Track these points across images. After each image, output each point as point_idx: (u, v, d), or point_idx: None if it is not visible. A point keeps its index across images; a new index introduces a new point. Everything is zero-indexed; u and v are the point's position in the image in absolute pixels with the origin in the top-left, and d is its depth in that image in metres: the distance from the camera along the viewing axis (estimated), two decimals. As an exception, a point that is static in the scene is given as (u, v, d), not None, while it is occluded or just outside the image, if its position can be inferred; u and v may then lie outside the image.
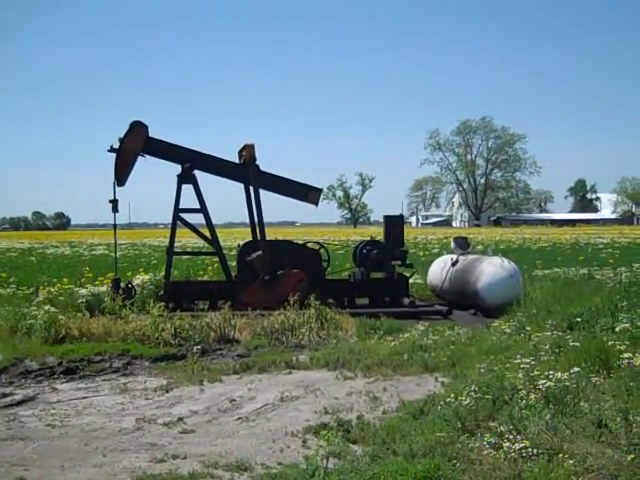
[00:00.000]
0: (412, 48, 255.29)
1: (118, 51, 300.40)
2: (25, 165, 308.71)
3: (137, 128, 16.85)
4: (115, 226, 17.44)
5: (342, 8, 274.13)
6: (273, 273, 16.72)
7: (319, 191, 18.68)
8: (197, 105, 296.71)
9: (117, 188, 16.75)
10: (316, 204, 18.59)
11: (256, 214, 17.65)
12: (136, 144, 16.74)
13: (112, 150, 16.70)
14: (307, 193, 18.46)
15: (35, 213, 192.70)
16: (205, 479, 6.10)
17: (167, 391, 9.48)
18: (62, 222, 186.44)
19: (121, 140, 16.68)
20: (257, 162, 17.46)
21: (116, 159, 16.68)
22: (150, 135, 17.01)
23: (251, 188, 17.66)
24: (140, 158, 16.96)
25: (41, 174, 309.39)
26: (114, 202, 16.85)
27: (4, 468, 6.50)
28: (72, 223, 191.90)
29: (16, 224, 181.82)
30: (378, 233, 20.13)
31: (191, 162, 17.21)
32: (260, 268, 16.82)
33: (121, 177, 16.82)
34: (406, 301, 17.54)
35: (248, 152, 17.44)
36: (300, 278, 16.21)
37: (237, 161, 18.01)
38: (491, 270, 16.96)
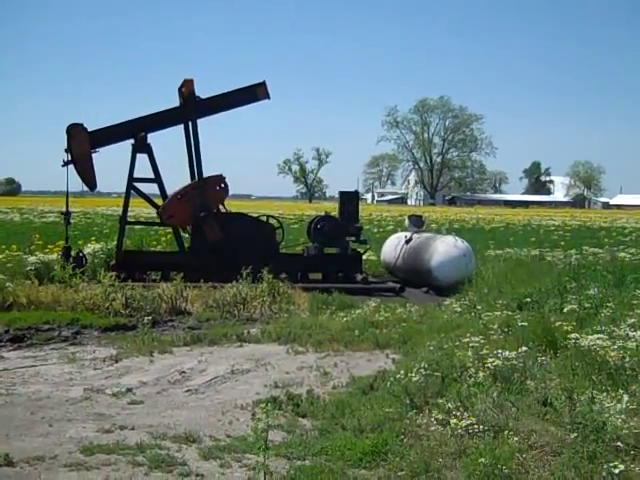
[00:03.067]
0: (372, 26, 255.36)
1: (112, 37, 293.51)
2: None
3: (74, 130, 16.56)
4: (67, 206, 17.06)
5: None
6: (225, 244, 16.61)
7: (263, 83, 18.12)
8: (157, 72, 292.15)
9: (67, 163, 16.51)
10: (268, 97, 18.17)
11: (194, 152, 17.46)
12: (83, 146, 16.50)
13: (66, 164, 16.47)
14: (254, 92, 18.14)
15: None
16: (153, 450, 6.05)
17: (116, 361, 9.40)
18: (12, 188, 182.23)
19: (68, 150, 16.42)
20: (196, 95, 17.28)
21: (75, 168, 16.47)
22: (89, 130, 16.71)
23: (190, 124, 17.43)
24: (95, 155, 16.72)
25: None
26: (67, 215, 16.83)
27: (-53, 436, 6.39)
28: (23, 189, 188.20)
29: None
30: (333, 209, 20.12)
31: (140, 130, 16.97)
32: (210, 235, 16.69)
33: (89, 181, 16.75)
34: (359, 277, 17.59)
35: (187, 87, 17.21)
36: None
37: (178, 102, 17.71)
38: (444, 249, 17.08)
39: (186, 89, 17.18)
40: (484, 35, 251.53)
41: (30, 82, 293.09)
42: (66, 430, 6.62)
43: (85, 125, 16.71)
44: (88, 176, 16.64)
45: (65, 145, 16.47)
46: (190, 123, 17.37)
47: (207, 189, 17.00)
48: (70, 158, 16.43)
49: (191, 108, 17.21)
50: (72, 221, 17.31)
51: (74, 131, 16.51)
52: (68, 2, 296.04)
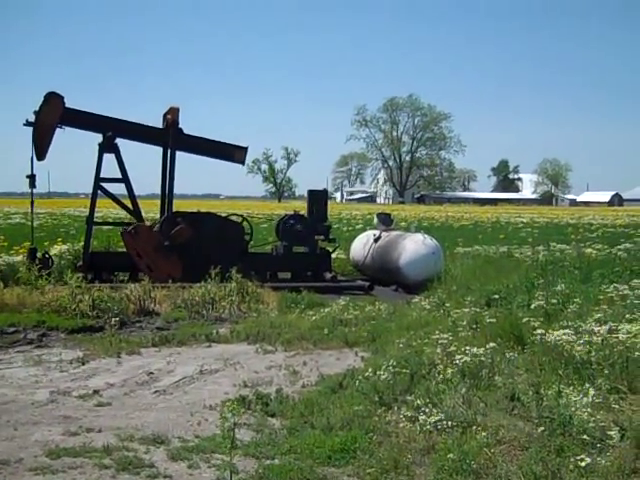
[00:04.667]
0: (341, 24, 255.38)
1: (114, 41, 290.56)
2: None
3: (53, 99, 16.29)
4: (32, 201, 16.80)
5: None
6: (192, 245, 16.45)
7: (244, 149, 18.35)
8: (125, 69, 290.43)
9: (36, 161, 16.29)
10: (242, 163, 18.36)
11: (169, 179, 17.34)
12: (53, 116, 16.23)
13: (28, 124, 16.15)
14: (232, 152, 18.21)
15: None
16: (120, 452, 5.99)
17: (83, 363, 9.29)
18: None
19: (37, 113, 16.15)
20: (180, 126, 17.17)
21: (33, 133, 16.15)
22: (67, 106, 16.51)
23: (169, 153, 17.32)
24: (59, 130, 16.48)
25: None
26: (32, 177, 16.36)
27: None
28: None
29: None
30: (303, 208, 20.09)
31: (113, 130, 16.81)
32: (174, 239, 16.54)
33: (40, 151, 16.32)
34: (328, 276, 17.61)
35: (172, 115, 17.12)
36: (172, 274, 15.40)
37: (161, 126, 17.64)
38: (413, 247, 17.13)
39: (171, 117, 17.07)
40: (452, 32, 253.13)
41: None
42: (31, 433, 6.53)
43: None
44: (42, 146, 16.31)
45: (37, 107, 16.18)
46: (169, 151, 17.27)
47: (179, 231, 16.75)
48: (35, 121, 16.20)
49: (173, 137, 17.08)
50: (37, 214, 16.85)
51: (52, 99, 16.26)
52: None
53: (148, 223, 17.49)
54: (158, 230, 16.75)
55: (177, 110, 17.18)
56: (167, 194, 17.34)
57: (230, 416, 5.26)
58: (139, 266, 15.05)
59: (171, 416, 7.12)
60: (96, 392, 7.91)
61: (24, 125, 16.17)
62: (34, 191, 16.64)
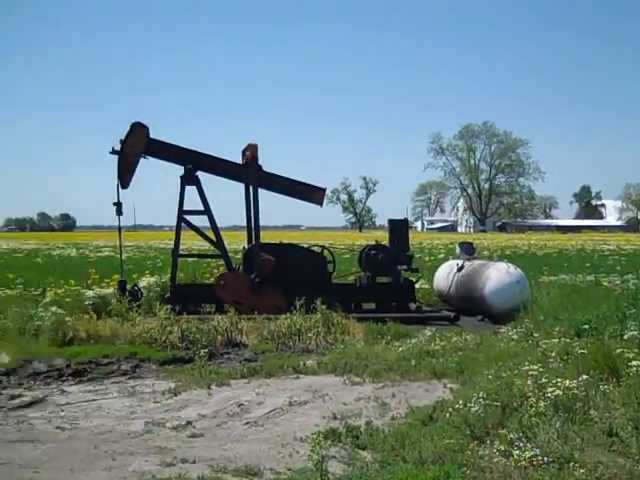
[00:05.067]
0: (415, 52, 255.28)
1: (119, 51, 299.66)
2: (31, 166, 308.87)
3: (138, 129, 16.83)
4: (120, 228, 17.34)
5: (346, 10, 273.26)
6: (269, 280, 16.61)
7: (323, 191, 18.57)
8: (199, 106, 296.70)
9: (121, 190, 16.81)
10: (320, 204, 18.52)
11: (253, 214, 17.59)
12: (137, 146, 16.74)
13: (114, 152, 16.71)
14: (311, 193, 18.39)
15: (41, 214, 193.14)
16: (215, 483, 6.09)
17: (175, 394, 9.48)
18: (68, 223, 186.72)
19: (122, 142, 16.68)
20: (259, 162, 17.46)
21: (119, 161, 16.70)
22: (151, 136, 17.01)
23: (251, 189, 17.61)
24: (142, 160, 16.97)
25: (47, 175, 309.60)
26: (118, 205, 16.86)
27: (13, 470, 6.51)
28: (78, 224, 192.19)
29: (22, 225, 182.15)
30: (383, 237, 20.09)
31: (193, 163, 17.20)
32: (257, 269, 16.73)
33: (124, 179, 16.84)
34: (413, 306, 17.54)
35: (251, 152, 17.41)
36: (278, 306, 15.42)
37: (240, 162, 17.98)
38: (497, 276, 16.95)
39: (250, 153, 17.39)
40: (527, 60, 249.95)
41: (83, 120, 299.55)
42: (129, 464, 6.69)
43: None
44: (126, 174, 16.82)
45: (123, 137, 16.74)
46: (251, 188, 17.58)
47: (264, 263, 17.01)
48: (120, 150, 16.71)
49: (253, 174, 17.40)
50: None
51: (137, 129, 16.82)
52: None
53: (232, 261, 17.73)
54: (242, 268, 17.10)
55: (256, 147, 17.46)
56: (254, 229, 17.57)
57: (318, 449, 5.28)
58: (244, 311, 15.10)
59: (262, 448, 7.19)
60: (189, 423, 8.05)
61: (110, 153, 16.73)
62: (121, 222, 17.15)
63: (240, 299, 16.06)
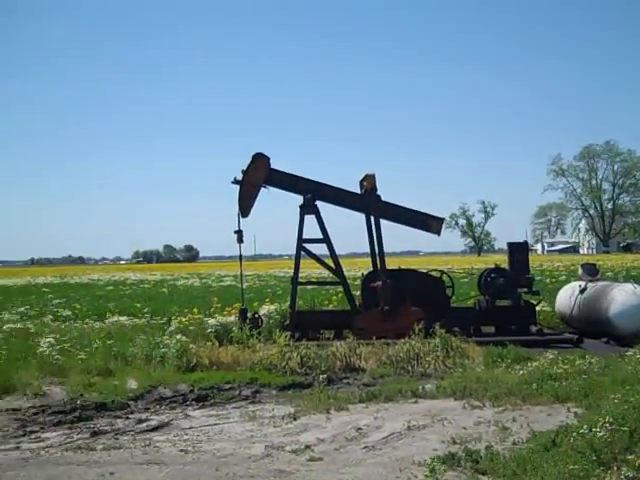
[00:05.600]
0: (530, 72, 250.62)
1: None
2: (156, 200, 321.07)
3: (259, 160, 17.28)
4: (240, 257, 17.74)
5: (457, 25, 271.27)
6: (395, 303, 16.63)
7: (441, 220, 18.57)
8: (313, 135, 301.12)
9: (242, 219, 17.22)
10: (438, 234, 18.44)
11: (377, 244, 17.65)
12: (258, 176, 17.17)
13: (235, 182, 17.19)
14: (430, 223, 18.35)
15: (166, 246, 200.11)
16: (334, 507, 6.13)
17: (294, 419, 9.59)
18: (191, 254, 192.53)
19: (244, 172, 17.15)
20: (378, 192, 17.56)
21: (240, 191, 17.15)
22: (272, 167, 17.40)
23: (372, 218, 17.71)
24: (263, 190, 17.37)
25: (172, 208, 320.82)
26: (239, 233, 17.27)
27: (141, 491, 6.75)
28: (201, 255, 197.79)
29: (149, 257, 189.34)
30: (502, 261, 19.76)
31: (313, 192, 17.46)
32: (382, 298, 16.77)
33: (245, 208, 17.25)
34: (533, 329, 17.15)
35: (369, 182, 17.56)
36: (419, 317, 15.49)
37: (358, 191, 18.14)
38: (623, 297, 16.35)
39: (368, 184, 17.58)
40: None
41: (201, 152, 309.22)
42: (250, 486, 6.82)
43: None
44: (247, 204, 17.21)
45: (245, 167, 17.21)
46: (372, 218, 17.72)
47: None
48: (242, 179, 17.14)
49: (372, 204, 17.56)
50: (246, 277, 17.76)
51: (258, 160, 17.29)
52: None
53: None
54: (361, 294, 17.29)
55: (374, 177, 17.58)
56: (378, 256, 17.62)
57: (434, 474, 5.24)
58: (394, 339, 15.02)
59: (381, 472, 7.17)
60: (308, 447, 8.13)
61: (232, 183, 17.21)
62: (242, 250, 17.53)
63: (382, 333, 15.90)
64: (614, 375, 10.97)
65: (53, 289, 37.60)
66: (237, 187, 17.21)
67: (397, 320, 16.19)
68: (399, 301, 16.57)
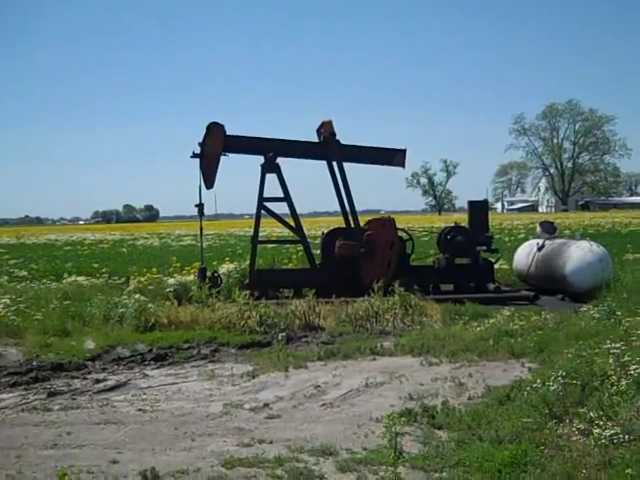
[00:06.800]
0: (494, 33, 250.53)
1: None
2: (116, 160, 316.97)
3: (214, 129, 17.04)
4: (201, 227, 17.54)
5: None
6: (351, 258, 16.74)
7: (404, 152, 18.35)
8: (274, 90, 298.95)
9: (204, 189, 17.05)
10: (403, 166, 18.33)
11: (343, 188, 17.62)
12: (216, 145, 16.95)
13: (195, 156, 16.95)
14: (392, 156, 18.28)
15: (126, 206, 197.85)
16: (291, 463, 6.16)
17: (253, 377, 9.61)
18: (151, 214, 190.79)
19: (201, 144, 16.93)
20: (336, 137, 17.50)
21: (200, 163, 16.94)
22: (228, 133, 17.19)
23: (334, 164, 17.66)
24: (223, 157, 17.17)
25: (131, 169, 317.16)
26: (200, 206, 17.12)
27: (98, 451, 6.73)
28: (161, 215, 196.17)
29: (108, 217, 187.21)
30: (463, 220, 19.86)
31: (273, 150, 17.32)
32: (340, 250, 16.84)
33: (208, 179, 17.08)
34: (491, 286, 17.31)
35: (327, 128, 17.48)
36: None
37: (316, 140, 18.03)
38: (579, 254, 16.56)
39: (325, 130, 17.47)
40: (609, 35, 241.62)
41: (159, 111, 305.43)
42: (208, 444, 6.83)
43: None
44: (210, 173, 17.03)
45: (201, 139, 16.98)
46: (335, 164, 17.63)
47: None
48: (200, 152, 16.98)
49: (333, 149, 17.48)
50: (206, 235, 17.64)
51: (214, 129, 17.06)
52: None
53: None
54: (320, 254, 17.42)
55: (331, 123, 17.50)
56: (348, 204, 17.64)
57: (392, 425, 5.29)
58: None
59: (338, 428, 7.23)
60: (266, 405, 8.17)
61: (191, 157, 16.97)
62: (204, 213, 17.37)
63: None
64: (568, 330, 11.17)
65: (9, 250, 37.04)
66: (196, 160, 17.00)
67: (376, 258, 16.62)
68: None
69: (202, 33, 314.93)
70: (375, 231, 17.09)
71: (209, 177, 17.03)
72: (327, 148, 17.50)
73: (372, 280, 14.81)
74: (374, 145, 18.35)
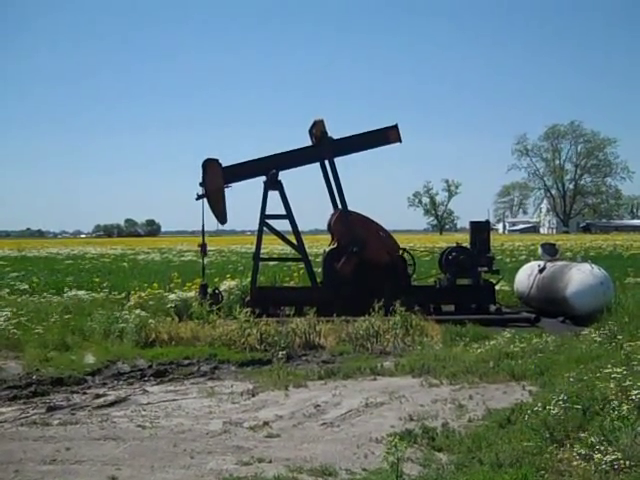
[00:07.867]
0: (499, 52, 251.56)
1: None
2: (118, 174, 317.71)
3: (210, 165, 17.07)
4: (203, 260, 17.80)
5: (438, 8, 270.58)
6: (358, 276, 16.75)
7: (396, 127, 18.28)
8: (275, 98, 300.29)
9: (220, 225, 17.22)
10: (399, 140, 18.34)
11: (335, 186, 17.68)
12: (217, 181, 16.98)
13: (200, 197, 17.00)
14: (387, 135, 18.30)
15: (127, 220, 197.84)
16: (290, 483, 6.14)
17: (253, 395, 9.59)
18: (153, 229, 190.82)
19: (202, 184, 16.98)
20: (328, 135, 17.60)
21: (208, 202, 16.99)
22: (224, 165, 17.23)
23: (327, 164, 17.70)
24: (228, 190, 17.21)
25: (133, 183, 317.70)
26: (203, 246, 17.28)
27: (97, 467, 6.71)
28: (162, 230, 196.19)
29: (109, 231, 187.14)
30: (464, 240, 19.89)
31: (273, 167, 17.34)
32: (342, 269, 16.88)
33: (220, 215, 17.20)
34: (492, 308, 17.32)
35: (318, 128, 17.55)
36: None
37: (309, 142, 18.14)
38: (580, 277, 16.57)
39: (317, 130, 17.53)
40: (613, 57, 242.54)
41: (165, 126, 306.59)
42: (207, 462, 6.81)
43: (220, 161, 17.23)
44: (219, 210, 17.12)
45: (200, 179, 17.04)
46: (327, 162, 17.67)
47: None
48: (204, 192, 16.99)
49: (326, 148, 17.54)
50: (208, 252, 17.79)
51: (209, 166, 17.07)
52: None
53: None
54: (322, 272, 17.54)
55: (322, 122, 17.59)
56: (340, 204, 17.73)
57: (395, 450, 5.28)
58: None
59: (338, 448, 7.21)
60: (266, 423, 8.14)
61: (196, 199, 17.02)
62: (205, 229, 17.42)
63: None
64: (569, 354, 11.15)
65: (10, 262, 37.02)
66: (202, 192, 17.03)
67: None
68: (362, 274, 16.72)
69: (203, 40, 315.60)
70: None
71: (220, 213, 17.15)
72: (321, 147, 17.58)
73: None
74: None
